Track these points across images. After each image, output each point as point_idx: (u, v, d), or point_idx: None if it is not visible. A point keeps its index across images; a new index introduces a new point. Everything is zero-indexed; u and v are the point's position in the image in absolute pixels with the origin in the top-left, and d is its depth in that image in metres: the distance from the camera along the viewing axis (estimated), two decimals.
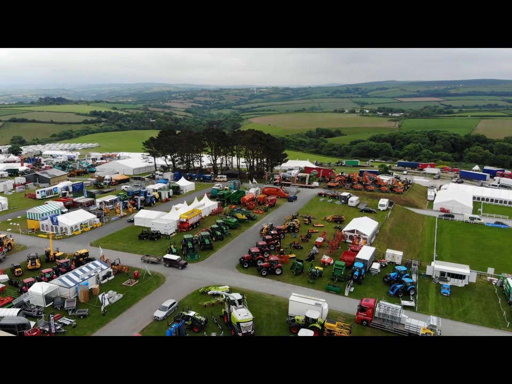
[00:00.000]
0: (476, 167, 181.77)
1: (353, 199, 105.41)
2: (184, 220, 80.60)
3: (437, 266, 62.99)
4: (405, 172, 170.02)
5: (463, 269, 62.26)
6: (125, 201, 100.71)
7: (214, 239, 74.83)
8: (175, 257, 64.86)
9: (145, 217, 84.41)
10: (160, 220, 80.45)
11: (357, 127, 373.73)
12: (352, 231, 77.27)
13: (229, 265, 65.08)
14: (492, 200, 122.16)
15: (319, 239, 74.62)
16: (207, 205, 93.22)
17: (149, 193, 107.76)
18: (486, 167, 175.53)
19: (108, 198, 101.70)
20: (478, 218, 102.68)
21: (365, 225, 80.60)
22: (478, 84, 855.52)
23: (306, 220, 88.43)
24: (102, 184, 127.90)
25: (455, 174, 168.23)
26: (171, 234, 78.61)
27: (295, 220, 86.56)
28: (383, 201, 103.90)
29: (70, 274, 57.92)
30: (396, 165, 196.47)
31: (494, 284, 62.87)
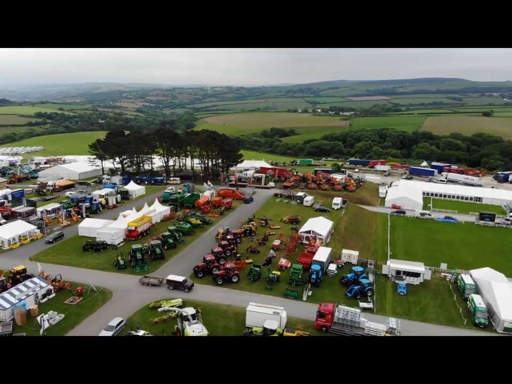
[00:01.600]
0: (424, 163, 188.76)
1: (308, 199, 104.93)
2: (133, 228, 75.62)
3: (392, 265, 63.07)
4: (356, 170, 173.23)
5: (418, 267, 62.77)
6: (68, 209, 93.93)
7: (166, 247, 70.77)
8: (180, 278, 57.03)
9: (90, 226, 78.56)
10: (106, 228, 75.06)
11: (310, 126, 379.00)
12: (308, 231, 76.22)
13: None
14: (440, 195, 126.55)
15: (276, 242, 72.81)
16: (158, 210, 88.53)
17: (95, 200, 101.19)
18: (434, 163, 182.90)
19: (50, 206, 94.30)
20: (428, 214, 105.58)
21: (320, 225, 79.90)
22: (424, 82, 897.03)
23: (263, 222, 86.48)
24: (45, 191, 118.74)
25: (405, 171, 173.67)
26: (118, 244, 73.48)
27: (252, 222, 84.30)
28: (337, 200, 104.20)
29: (5, 294, 52.06)
30: (348, 163, 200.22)
31: (448, 280, 63.87)
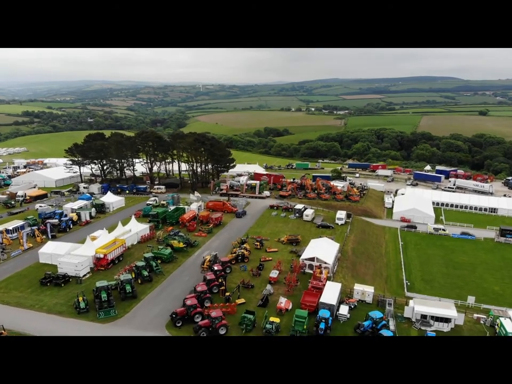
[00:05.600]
0: (428, 167, 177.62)
1: (308, 213, 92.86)
2: (102, 256, 63.09)
3: (417, 308, 51.23)
4: (357, 175, 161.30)
5: (448, 310, 51.02)
6: (34, 227, 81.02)
7: (139, 281, 58.33)
8: None
9: (53, 252, 65.82)
10: (70, 256, 62.26)
11: (304, 125, 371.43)
12: (312, 258, 64.22)
13: (156, 324, 48.98)
14: (451, 205, 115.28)
15: (273, 273, 60.59)
16: (134, 230, 75.41)
17: (65, 215, 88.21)
18: (438, 167, 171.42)
19: (12, 224, 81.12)
20: (442, 229, 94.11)
21: (325, 249, 67.90)
22: (416, 80, 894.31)
23: (258, 243, 74.17)
24: (13, 202, 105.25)
25: (408, 176, 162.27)
26: (84, 276, 60.90)
27: (245, 245, 72.24)
28: (341, 214, 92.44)
29: None
30: (346, 166, 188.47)
31: (482, 323, 52.40)
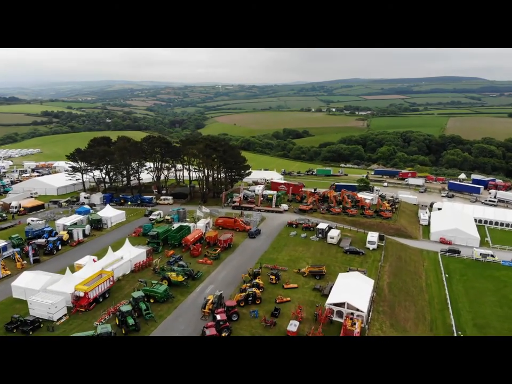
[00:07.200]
0: (462, 175, 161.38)
1: (334, 234, 79.60)
2: (82, 294, 51.63)
3: None
4: (385, 184, 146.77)
5: None
6: (16, 249, 70.51)
7: (123, 331, 46.51)
8: None
9: (27, 285, 54.74)
10: (43, 295, 50.84)
11: (325, 126, 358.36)
12: (341, 304, 51.28)
13: None
14: (495, 223, 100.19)
15: (292, 326, 47.44)
16: (127, 256, 63.65)
17: (55, 233, 77.48)
18: (474, 176, 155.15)
19: None
20: (491, 255, 79.61)
21: (356, 290, 54.66)
22: (440, 81, 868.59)
23: (273, 277, 61.50)
24: (5, 215, 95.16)
25: (442, 185, 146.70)
26: (58, 320, 49.45)
27: (257, 279, 59.76)
28: (373, 237, 78.95)
29: None
30: (372, 173, 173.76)
31: None
